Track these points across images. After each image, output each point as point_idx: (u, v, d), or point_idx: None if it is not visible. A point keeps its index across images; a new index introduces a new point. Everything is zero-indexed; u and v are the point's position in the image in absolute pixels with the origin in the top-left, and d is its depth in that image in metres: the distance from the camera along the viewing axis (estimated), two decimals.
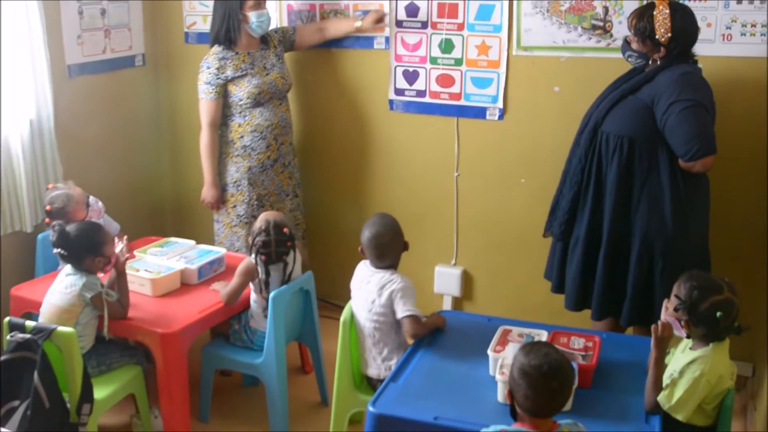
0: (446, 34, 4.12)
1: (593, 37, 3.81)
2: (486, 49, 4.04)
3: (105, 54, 4.48)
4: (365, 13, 4.22)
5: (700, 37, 3.32)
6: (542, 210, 3.70)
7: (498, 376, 2.68)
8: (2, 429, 2.58)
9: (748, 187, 3.68)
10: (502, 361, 2.73)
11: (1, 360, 2.95)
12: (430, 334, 3.16)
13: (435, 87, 4.21)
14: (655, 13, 3.19)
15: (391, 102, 4.33)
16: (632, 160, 3.24)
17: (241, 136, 4.11)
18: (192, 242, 3.98)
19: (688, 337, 2.63)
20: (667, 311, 2.66)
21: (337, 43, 4.35)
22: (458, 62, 4.13)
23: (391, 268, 3.20)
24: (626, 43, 3.35)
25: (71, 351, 3.00)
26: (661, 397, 2.55)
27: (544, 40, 3.90)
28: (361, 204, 4.50)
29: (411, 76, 4.25)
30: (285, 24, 4.44)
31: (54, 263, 3.76)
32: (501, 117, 4.09)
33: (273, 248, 3.44)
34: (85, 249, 3.25)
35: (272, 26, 4.24)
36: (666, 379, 2.59)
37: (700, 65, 3.32)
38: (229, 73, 4.05)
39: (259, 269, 3.45)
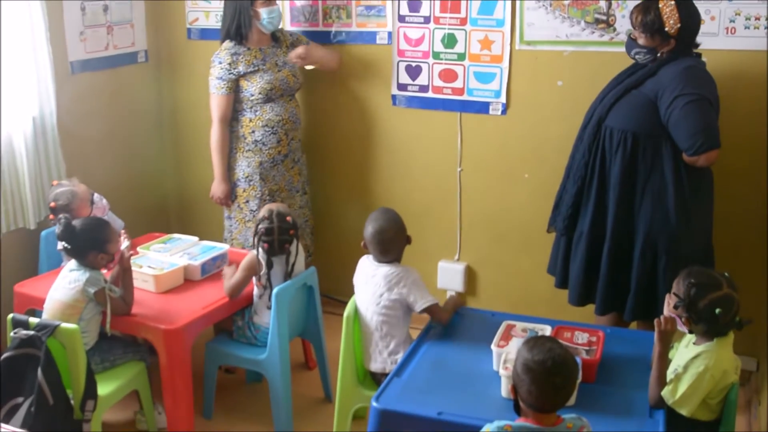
0: (449, 29, 4.11)
1: (596, 31, 3.79)
2: (489, 43, 4.03)
3: (107, 50, 4.48)
4: (368, 9, 4.22)
5: (703, 30, 3.32)
6: (546, 205, 3.69)
7: (502, 371, 2.68)
8: (7, 426, 2.58)
9: (751, 182, 3.66)
10: (506, 356, 2.73)
11: (5, 357, 2.96)
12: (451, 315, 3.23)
13: (438, 82, 4.20)
14: (661, 5, 3.17)
15: (393, 97, 4.33)
16: (636, 155, 3.23)
17: (252, 131, 4.10)
18: (195, 238, 3.98)
19: (690, 332, 2.63)
20: (669, 306, 2.66)
21: (339, 38, 4.34)
22: (461, 57, 4.12)
23: (395, 261, 3.20)
24: (632, 40, 3.32)
25: (75, 347, 3.00)
26: (666, 392, 2.55)
27: (547, 34, 3.89)
28: (363, 200, 4.50)
29: (414, 72, 4.24)
30: (287, 20, 4.43)
31: (57, 260, 3.76)
32: (504, 112, 4.08)
33: (276, 236, 3.43)
34: (89, 245, 3.24)
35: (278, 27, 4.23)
36: (670, 374, 2.58)
37: (703, 59, 3.31)
38: (242, 68, 4.05)
39: (262, 260, 3.45)
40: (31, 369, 2.93)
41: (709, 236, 3.38)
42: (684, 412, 2.53)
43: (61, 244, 3.28)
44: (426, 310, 3.15)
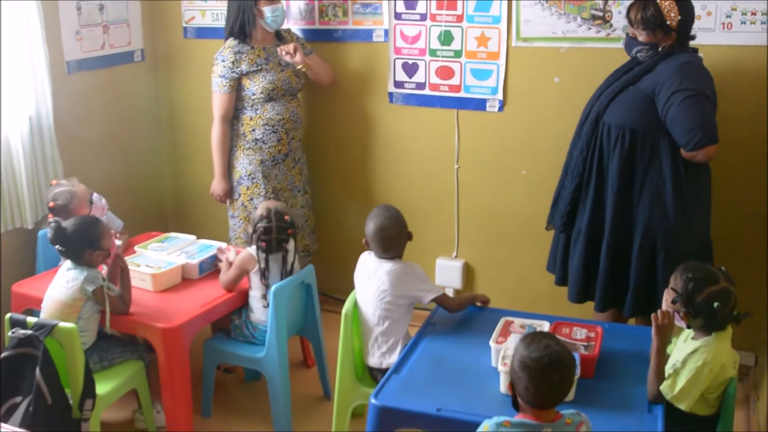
0: (445, 25, 4.10)
1: (593, 28, 3.79)
2: (485, 40, 4.03)
3: (104, 50, 4.47)
4: (365, 7, 4.22)
5: (700, 25, 3.33)
6: (543, 201, 3.70)
7: (500, 367, 2.68)
8: (5, 425, 2.58)
9: (749, 177, 3.67)
10: (504, 352, 2.73)
11: (3, 356, 2.96)
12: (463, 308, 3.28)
13: (434, 79, 4.20)
14: (659, 0, 3.17)
15: (390, 95, 4.32)
16: (634, 151, 3.23)
17: (253, 129, 4.10)
18: (193, 237, 3.98)
19: (688, 327, 2.63)
20: (667, 301, 2.66)
21: (335, 36, 4.33)
22: (458, 54, 4.11)
23: (397, 258, 3.20)
24: (631, 39, 3.30)
25: (73, 347, 2.99)
26: (664, 387, 2.55)
27: (544, 30, 3.89)
28: (360, 198, 4.49)
29: (410, 69, 4.24)
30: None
31: (55, 260, 3.75)
32: (501, 109, 4.08)
33: (274, 235, 3.44)
34: (83, 244, 3.24)
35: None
36: (668, 369, 2.59)
37: (700, 54, 3.31)
38: (244, 67, 4.04)
39: (259, 258, 3.45)
40: (30, 368, 2.93)
41: (708, 231, 3.38)
42: (682, 406, 2.53)
43: (56, 246, 3.27)
44: (435, 300, 3.17)
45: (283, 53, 4.05)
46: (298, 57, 4.05)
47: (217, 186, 4.18)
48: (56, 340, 2.98)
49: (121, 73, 4.63)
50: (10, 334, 2.99)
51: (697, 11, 3.38)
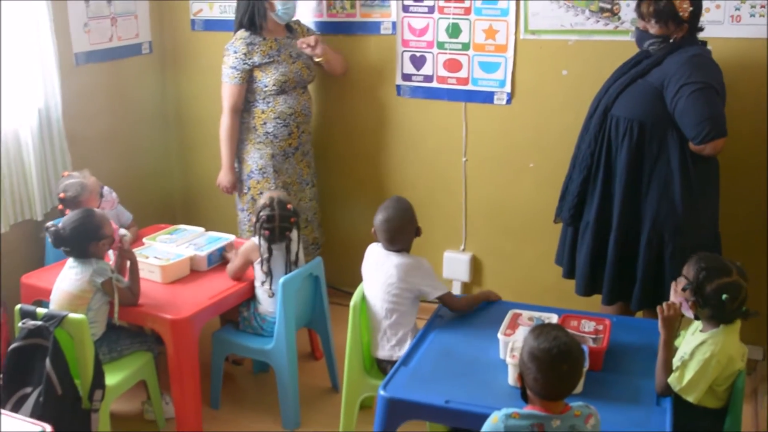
0: (453, 18, 4.10)
1: (601, 20, 3.79)
2: (493, 33, 4.03)
3: (112, 42, 4.47)
4: None
5: (709, 18, 3.32)
6: (551, 194, 3.69)
7: (509, 360, 2.68)
8: (16, 415, 2.59)
9: (758, 170, 3.66)
10: (513, 344, 2.73)
11: (13, 347, 2.97)
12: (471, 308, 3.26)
13: (442, 72, 4.20)
14: None
15: (398, 87, 4.32)
16: (642, 144, 3.23)
17: (264, 123, 4.08)
18: (201, 229, 3.99)
19: (696, 318, 2.63)
20: (675, 291, 2.66)
21: (343, 28, 4.33)
22: (465, 47, 4.11)
23: (404, 251, 3.21)
24: (642, 32, 3.29)
25: (82, 337, 3.01)
26: (672, 379, 2.55)
27: (552, 23, 3.89)
28: (368, 190, 4.50)
29: (418, 61, 4.24)
30: None
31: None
32: (509, 101, 4.08)
33: (276, 223, 3.45)
34: (85, 238, 3.24)
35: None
36: (677, 362, 2.59)
37: (709, 47, 3.30)
38: (257, 59, 4.01)
39: (261, 247, 3.47)
40: (39, 359, 2.94)
41: (716, 225, 3.38)
42: (691, 398, 2.54)
43: (61, 249, 3.28)
44: (439, 298, 3.18)
45: (304, 46, 4.05)
46: (318, 49, 4.06)
47: (224, 177, 4.18)
48: (66, 331, 2.99)
49: (128, 66, 4.63)
50: (20, 325, 3.00)
51: (706, 4, 3.37)
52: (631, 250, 3.32)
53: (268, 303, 3.52)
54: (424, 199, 4.33)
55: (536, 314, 3.03)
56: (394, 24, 4.24)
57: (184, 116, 4.96)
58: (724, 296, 2.51)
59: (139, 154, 4.77)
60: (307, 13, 4.40)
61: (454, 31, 4.11)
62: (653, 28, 3.24)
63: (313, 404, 3.68)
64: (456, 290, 4.42)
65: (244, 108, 4.12)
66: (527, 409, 2.25)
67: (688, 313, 2.62)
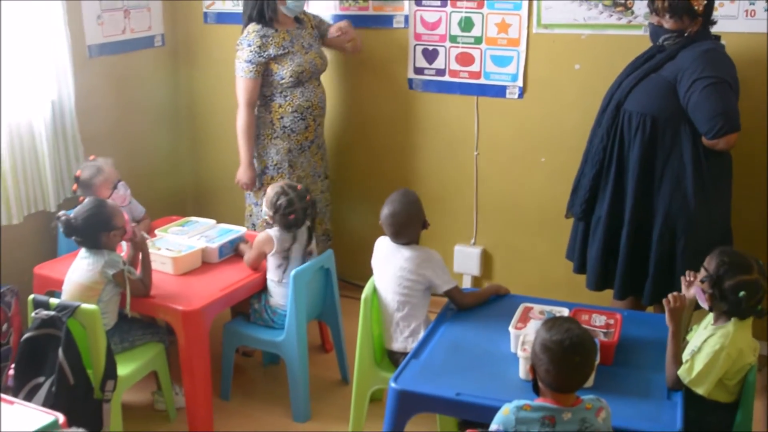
0: (466, 12, 4.10)
1: (614, 14, 3.78)
2: (506, 27, 4.02)
3: (125, 34, 4.49)
4: None
5: (723, 13, 3.31)
6: (562, 189, 3.69)
7: (520, 353, 2.69)
8: (29, 404, 2.61)
9: None
10: (524, 337, 2.74)
11: (26, 337, 2.99)
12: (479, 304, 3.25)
13: (454, 66, 4.19)
14: None
15: (410, 81, 4.32)
16: (655, 139, 3.22)
17: (281, 117, 4.04)
18: (213, 221, 3.99)
19: (710, 309, 2.63)
20: (686, 286, 2.66)
21: (355, 22, 4.32)
22: (478, 40, 4.11)
23: (412, 243, 3.21)
24: (657, 27, 3.28)
25: (95, 328, 3.02)
26: (682, 371, 2.55)
27: (565, 17, 3.88)
28: (379, 183, 4.49)
29: (430, 55, 4.24)
30: None
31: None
32: (521, 95, 4.08)
33: (297, 206, 3.48)
34: (96, 228, 3.25)
35: None
36: (687, 354, 2.59)
37: (723, 42, 3.29)
38: (272, 51, 3.96)
39: (283, 237, 3.49)
40: (52, 349, 2.96)
41: (728, 220, 3.37)
42: (700, 390, 2.53)
43: (72, 238, 3.29)
44: (447, 293, 3.18)
45: (335, 31, 4.08)
46: (351, 33, 4.10)
47: (243, 174, 4.11)
48: (78, 322, 3.01)
49: (141, 58, 4.65)
50: (33, 315, 3.02)
51: None
52: (642, 245, 3.32)
53: (279, 295, 3.53)
54: (435, 192, 4.33)
55: (547, 308, 3.03)
56: (406, 17, 4.24)
57: (196, 109, 4.97)
58: (741, 293, 2.51)
59: (150, 147, 4.78)
60: (320, 7, 4.39)
61: (467, 24, 4.11)
62: (668, 23, 3.22)
63: (323, 397, 3.68)
64: (466, 284, 4.42)
65: (260, 103, 4.10)
66: (538, 402, 2.26)
67: (703, 304, 2.62)
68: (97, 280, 3.23)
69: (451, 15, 4.13)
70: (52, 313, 2.99)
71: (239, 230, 3.88)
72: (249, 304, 3.63)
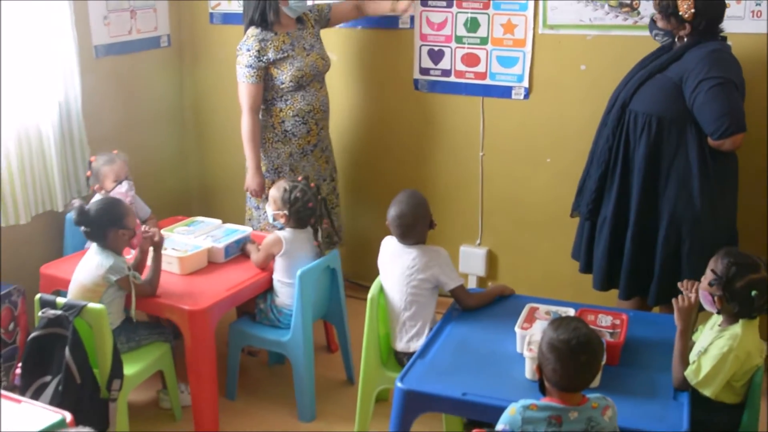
0: (471, 12, 4.10)
1: (620, 15, 3.78)
2: (512, 27, 4.02)
3: (131, 35, 4.50)
4: None
5: (729, 13, 3.29)
6: (568, 190, 3.69)
7: (526, 353, 2.69)
8: (36, 402, 2.62)
9: None
10: (530, 338, 2.74)
11: (33, 336, 3.00)
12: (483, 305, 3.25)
13: (460, 66, 4.20)
14: None
15: (416, 81, 4.33)
16: (660, 139, 3.22)
17: (282, 121, 4.02)
18: (218, 221, 4.00)
19: (718, 312, 2.63)
20: (687, 289, 2.66)
21: (361, 22, 4.34)
22: (484, 41, 4.11)
23: (417, 244, 3.22)
24: (652, 21, 3.34)
25: (101, 327, 3.03)
26: (689, 372, 2.55)
27: (571, 18, 3.88)
28: (385, 184, 4.50)
29: (436, 56, 4.24)
30: None
31: (82, 242, 3.79)
32: (527, 96, 4.08)
33: (310, 194, 3.52)
34: (107, 223, 3.25)
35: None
36: (694, 356, 2.59)
37: (729, 42, 3.29)
38: (271, 55, 3.94)
39: (293, 238, 3.52)
40: (59, 348, 2.97)
41: (734, 221, 3.37)
42: (707, 392, 2.53)
43: (80, 228, 3.30)
44: (453, 292, 3.19)
45: (402, 10, 4.09)
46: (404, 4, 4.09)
47: (251, 181, 4.06)
48: (85, 321, 3.01)
49: (147, 59, 4.66)
50: (40, 314, 3.03)
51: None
52: (648, 245, 3.32)
53: (285, 295, 3.53)
54: (441, 193, 4.34)
55: (553, 308, 3.04)
56: (412, 18, 4.24)
57: (202, 109, 4.98)
58: (753, 292, 2.51)
59: (156, 147, 4.79)
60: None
61: (473, 25, 4.11)
62: (659, 21, 3.28)
63: (328, 396, 3.69)
64: (472, 284, 4.41)
65: (262, 107, 4.07)
66: (545, 401, 2.26)
67: (711, 308, 2.62)
68: (98, 283, 3.23)
69: (456, 15, 4.13)
70: (59, 312, 3.00)
71: (245, 230, 3.89)
72: (255, 303, 3.63)
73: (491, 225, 4.36)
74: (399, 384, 2.70)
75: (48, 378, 2.98)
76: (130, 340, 3.33)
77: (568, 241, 3.71)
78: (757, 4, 3.51)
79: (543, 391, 2.31)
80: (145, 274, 3.37)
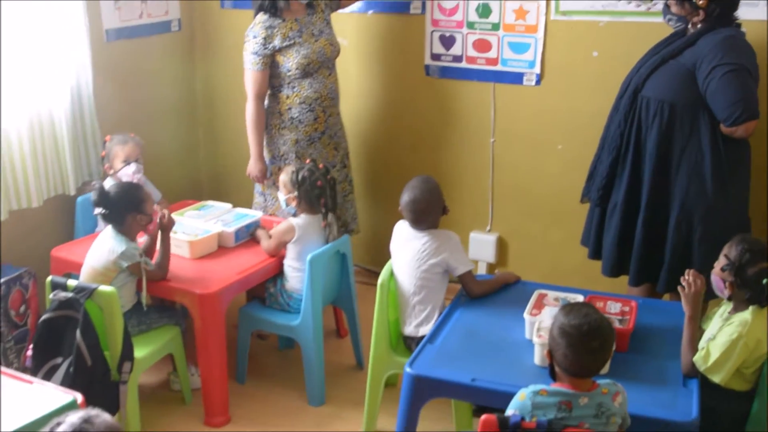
0: None
1: (633, 2, 3.75)
2: (524, 13, 4.01)
3: (141, 19, 4.49)
4: None
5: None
6: (578, 176, 3.68)
7: (535, 339, 2.69)
8: (47, 383, 2.63)
9: None
10: (539, 324, 2.74)
11: (44, 318, 3.01)
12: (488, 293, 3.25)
13: (472, 52, 4.18)
14: None
15: (427, 67, 4.31)
16: (673, 125, 3.21)
17: (289, 108, 4.01)
18: (229, 206, 4.01)
19: (729, 299, 2.62)
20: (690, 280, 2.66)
21: (372, 6, 4.32)
22: (495, 27, 4.09)
23: (431, 228, 3.22)
24: (666, 6, 3.31)
25: (112, 310, 3.04)
26: (698, 358, 2.55)
27: (583, 4, 3.86)
28: (395, 170, 4.50)
29: (447, 41, 4.22)
30: None
31: (93, 225, 3.81)
32: (538, 82, 4.06)
33: (319, 174, 3.54)
34: (126, 206, 3.27)
35: None
36: (703, 342, 2.59)
37: (743, 29, 3.27)
38: (277, 42, 3.91)
39: (306, 224, 3.53)
40: (70, 330, 2.98)
41: (746, 209, 3.35)
42: (717, 379, 2.53)
43: (98, 210, 3.31)
44: (461, 277, 3.19)
45: None
46: None
47: (253, 167, 4.07)
48: (96, 304, 3.03)
49: (157, 43, 4.66)
50: (51, 296, 3.04)
51: None
52: (659, 232, 3.31)
53: (295, 280, 3.54)
54: (451, 179, 4.33)
55: (562, 295, 3.04)
56: (423, 3, 4.23)
57: (212, 93, 4.98)
58: (765, 280, 2.50)
59: (166, 131, 4.80)
60: None
61: (485, 11, 4.09)
62: (673, 6, 3.25)
63: (337, 381, 3.70)
64: (481, 271, 4.42)
65: (269, 92, 4.06)
66: (555, 386, 2.26)
67: (721, 294, 2.62)
68: (110, 268, 3.24)
69: (468, 1, 4.11)
70: (70, 294, 3.01)
71: (255, 214, 3.89)
72: (264, 288, 3.64)
73: (501, 211, 4.36)
74: (408, 369, 2.70)
75: (59, 360, 3.00)
76: (140, 323, 3.34)
77: (578, 229, 3.70)
78: None
79: (553, 376, 2.31)
80: (155, 258, 3.38)
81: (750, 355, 2.53)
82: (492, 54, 4.13)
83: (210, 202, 4.07)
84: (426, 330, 3.11)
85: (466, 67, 4.21)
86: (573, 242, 3.79)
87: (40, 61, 3.78)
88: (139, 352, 3.19)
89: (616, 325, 2.77)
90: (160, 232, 3.39)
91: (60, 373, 2.97)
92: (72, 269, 3.46)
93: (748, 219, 3.36)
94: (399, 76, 4.41)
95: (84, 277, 3.27)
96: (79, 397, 2.47)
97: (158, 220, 3.35)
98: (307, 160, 3.64)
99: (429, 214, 3.22)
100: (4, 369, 2.62)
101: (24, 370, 3.03)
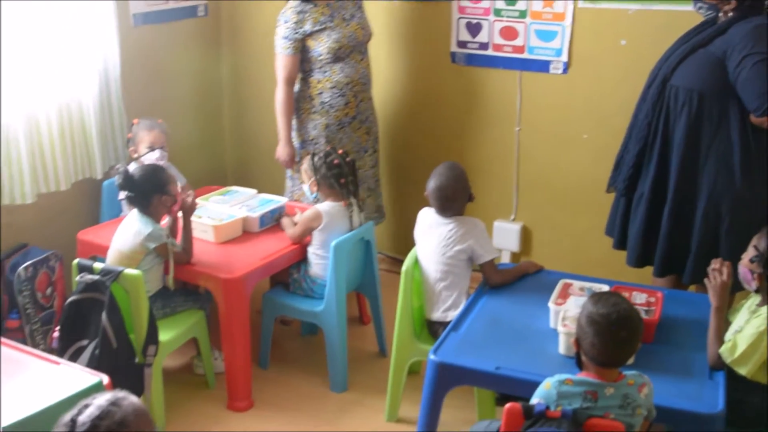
0: None
1: None
2: (551, 1, 3.98)
3: (168, 4, 4.50)
4: None
5: None
6: (604, 166, 3.65)
7: (560, 328, 2.68)
8: (74, 364, 2.66)
9: None
10: (564, 313, 2.73)
11: (71, 300, 3.03)
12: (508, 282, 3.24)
13: (498, 40, 4.16)
14: None
15: (453, 54, 4.30)
16: (701, 115, 3.17)
17: (320, 92, 4.00)
18: (254, 191, 4.02)
19: (756, 291, 2.60)
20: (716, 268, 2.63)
21: None
22: (522, 14, 4.07)
23: (457, 215, 3.22)
24: None
25: (138, 293, 3.06)
26: (724, 350, 2.53)
27: None
28: (420, 157, 4.48)
29: (474, 29, 4.20)
30: None
31: (119, 209, 3.83)
32: (565, 71, 4.04)
33: (334, 154, 3.56)
34: (151, 188, 3.29)
35: None
36: (730, 335, 2.56)
37: None
38: (308, 27, 3.91)
39: (333, 211, 3.53)
40: (96, 313, 3.00)
41: None
42: (743, 371, 2.51)
43: (123, 194, 3.33)
44: (483, 266, 3.19)
45: None
46: None
47: (282, 151, 4.08)
48: (122, 287, 3.05)
49: (184, 28, 4.66)
50: (77, 279, 3.07)
51: None
52: (685, 222, 3.28)
53: (319, 266, 3.55)
54: (477, 167, 4.31)
55: (587, 284, 3.03)
56: None
57: (238, 79, 4.98)
58: None
59: (191, 116, 4.81)
60: None
61: None
62: None
63: (360, 368, 3.70)
64: (505, 259, 4.40)
65: (300, 77, 4.06)
66: (581, 376, 2.25)
67: (749, 286, 2.59)
68: (137, 250, 3.26)
69: None
70: (97, 277, 3.03)
71: (280, 200, 3.90)
72: (288, 273, 3.65)
73: (526, 200, 4.34)
74: (432, 356, 2.70)
75: (85, 342, 3.02)
76: (165, 306, 3.36)
77: (603, 219, 3.68)
78: None
79: (580, 365, 2.30)
80: (179, 241, 3.40)
81: None
82: (519, 42, 4.11)
83: (235, 188, 4.08)
84: (454, 315, 3.10)
85: (492, 55, 4.19)
86: (598, 232, 3.76)
87: (69, 46, 3.79)
88: (163, 336, 3.21)
89: (642, 315, 2.74)
90: (182, 216, 3.40)
91: (86, 355, 3.00)
92: (98, 252, 3.49)
93: None
94: (425, 63, 4.39)
95: (110, 261, 3.29)
96: (106, 379, 2.50)
97: (182, 202, 3.36)
98: (340, 151, 3.63)
99: (455, 200, 3.22)
100: (32, 349, 2.64)
101: (50, 351, 3.06)
